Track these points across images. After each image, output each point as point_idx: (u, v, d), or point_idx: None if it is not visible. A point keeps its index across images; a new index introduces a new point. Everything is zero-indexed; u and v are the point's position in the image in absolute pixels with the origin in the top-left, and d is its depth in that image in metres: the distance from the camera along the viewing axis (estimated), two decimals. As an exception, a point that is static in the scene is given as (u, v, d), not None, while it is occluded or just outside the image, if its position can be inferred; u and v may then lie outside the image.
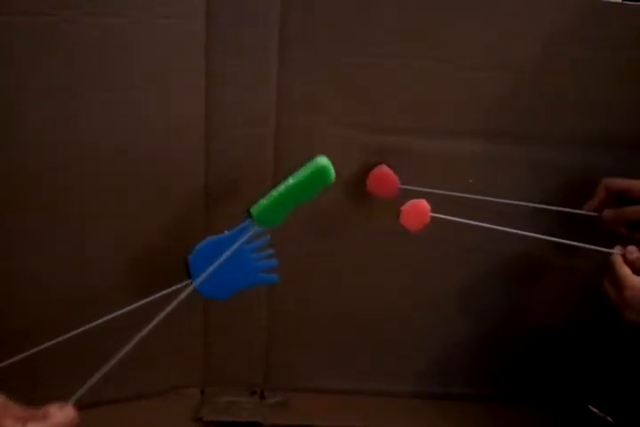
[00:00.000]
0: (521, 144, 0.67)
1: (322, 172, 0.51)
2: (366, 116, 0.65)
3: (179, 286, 0.51)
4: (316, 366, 0.77)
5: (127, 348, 0.50)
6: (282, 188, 0.51)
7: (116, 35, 0.56)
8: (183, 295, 0.50)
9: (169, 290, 0.51)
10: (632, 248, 0.58)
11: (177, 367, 0.74)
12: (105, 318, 0.52)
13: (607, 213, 0.63)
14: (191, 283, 0.51)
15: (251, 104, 0.63)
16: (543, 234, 0.63)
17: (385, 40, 0.62)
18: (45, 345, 0.52)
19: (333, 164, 0.65)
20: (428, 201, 0.61)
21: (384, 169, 0.65)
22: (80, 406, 0.66)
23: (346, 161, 0.66)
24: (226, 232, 0.51)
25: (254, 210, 0.51)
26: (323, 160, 0.52)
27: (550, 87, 0.65)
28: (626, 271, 0.56)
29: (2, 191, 0.59)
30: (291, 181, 0.51)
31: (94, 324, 0.52)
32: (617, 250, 0.58)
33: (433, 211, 0.61)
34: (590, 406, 0.79)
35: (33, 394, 0.47)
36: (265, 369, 0.76)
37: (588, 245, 0.60)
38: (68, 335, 0.52)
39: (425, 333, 0.75)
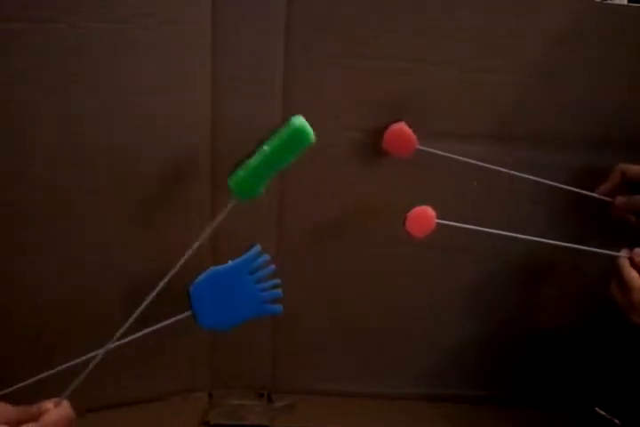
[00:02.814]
0: (526, 146, 0.67)
1: (298, 134, 0.47)
2: (370, 119, 0.64)
3: (179, 317, 0.50)
4: (323, 369, 0.76)
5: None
6: (258, 156, 0.48)
7: (122, 40, 0.56)
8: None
9: (168, 321, 0.50)
10: (639, 251, 0.58)
11: (184, 371, 0.74)
12: (106, 347, 0.51)
13: (620, 199, 0.64)
14: (192, 314, 0.49)
15: (256, 109, 0.63)
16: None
17: (388, 43, 0.61)
18: (51, 372, 0.51)
19: (338, 167, 0.65)
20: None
21: (402, 126, 0.63)
22: (88, 410, 0.69)
23: (350, 164, 0.66)
24: (229, 262, 0.49)
25: (232, 182, 0.48)
26: (298, 121, 0.47)
27: (555, 89, 0.64)
28: (633, 274, 0.56)
29: (3, 196, 0.59)
30: (266, 147, 0.47)
31: (96, 353, 0.51)
32: (623, 253, 0.58)
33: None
34: (597, 409, 0.79)
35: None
36: (272, 372, 0.76)
37: (594, 249, 0.60)
38: (73, 363, 0.52)
39: (430, 336, 0.75)
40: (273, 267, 0.51)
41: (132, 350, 0.67)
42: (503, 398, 0.78)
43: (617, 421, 0.76)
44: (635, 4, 0.63)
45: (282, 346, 0.74)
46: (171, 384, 0.74)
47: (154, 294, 0.50)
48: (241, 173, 0.48)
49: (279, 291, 0.52)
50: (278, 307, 0.52)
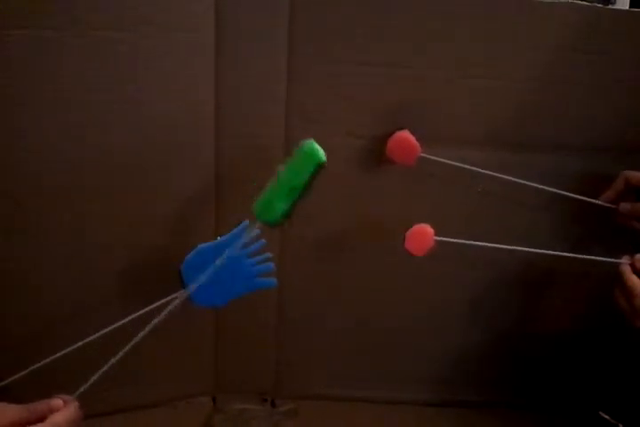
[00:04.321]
0: (528, 152, 0.67)
1: (308, 155, 0.48)
2: (372, 125, 0.64)
3: (172, 296, 0.50)
4: (327, 373, 0.76)
5: (121, 354, 0.52)
6: (274, 180, 0.49)
7: (125, 48, 0.57)
8: (173, 306, 0.50)
9: (162, 301, 0.50)
10: None
11: (188, 376, 0.74)
12: (105, 331, 0.52)
13: (624, 206, 0.63)
14: (185, 292, 0.50)
15: (260, 116, 0.64)
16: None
17: (390, 51, 0.62)
18: (48, 360, 0.53)
19: (340, 173, 0.66)
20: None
21: (406, 134, 0.63)
22: (92, 415, 0.69)
23: (352, 170, 0.66)
24: (219, 238, 0.50)
25: (254, 208, 0.49)
26: (308, 143, 0.49)
27: (555, 95, 0.64)
28: (635, 281, 0.56)
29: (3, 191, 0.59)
30: (281, 170, 0.49)
31: (93, 337, 0.52)
32: (625, 259, 0.58)
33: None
34: (602, 413, 0.78)
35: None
36: (276, 377, 0.76)
37: (595, 257, 0.60)
38: (70, 349, 0.53)
39: (436, 341, 0.75)
40: (263, 241, 0.51)
41: (136, 355, 0.68)
42: (508, 402, 0.77)
43: (621, 425, 0.75)
44: (636, 9, 0.63)
45: (286, 351, 0.75)
46: (175, 389, 0.74)
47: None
48: (260, 198, 0.49)
49: (271, 264, 0.52)
50: (271, 280, 0.52)
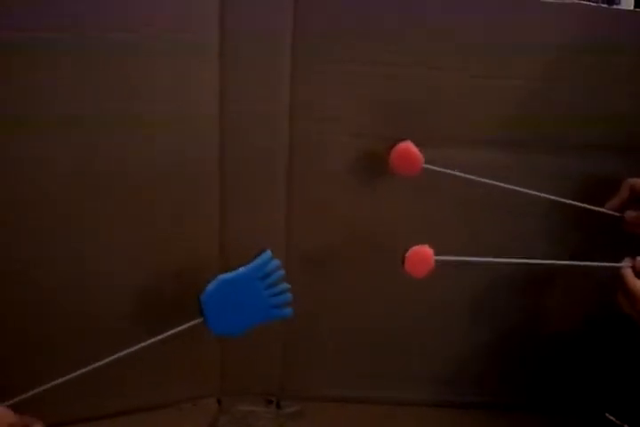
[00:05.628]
0: (533, 152, 0.66)
1: None
2: (378, 126, 0.64)
3: (190, 324, 0.50)
4: (332, 375, 0.76)
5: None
6: None
7: (127, 50, 0.56)
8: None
9: (180, 328, 0.50)
10: None
11: (194, 377, 0.74)
12: (117, 356, 0.51)
13: (630, 213, 0.62)
14: (203, 321, 0.50)
15: (263, 117, 0.63)
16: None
17: (391, 50, 0.61)
18: (56, 382, 0.52)
19: (341, 172, 0.65)
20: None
21: (409, 145, 0.61)
22: (97, 417, 0.69)
23: (357, 171, 0.65)
24: (240, 269, 0.50)
25: None
26: None
27: (561, 95, 0.64)
28: (638, 284, 0.56)
29: (8, 205, 0.58)
30: None
31: (106, 361, 0.51)
32: (626, 262, 0.58)
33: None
34: (608, 415, 0.78)
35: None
36: (281, 379, 0.76)
37: (594, 263, 0.60)
38: (79, 373, 0.52)
39: (439, 342, 0.75)
40: (282, 272, 0.51)
41: (142, 357, 0.68)
42: (512, 404, 0.78)
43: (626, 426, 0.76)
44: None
45: (291, 353, 0.74)
46: (180, 391, 0.74)
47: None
48: None
49: (288, 295, 0.52)
50: (287, 310, 0.52)
